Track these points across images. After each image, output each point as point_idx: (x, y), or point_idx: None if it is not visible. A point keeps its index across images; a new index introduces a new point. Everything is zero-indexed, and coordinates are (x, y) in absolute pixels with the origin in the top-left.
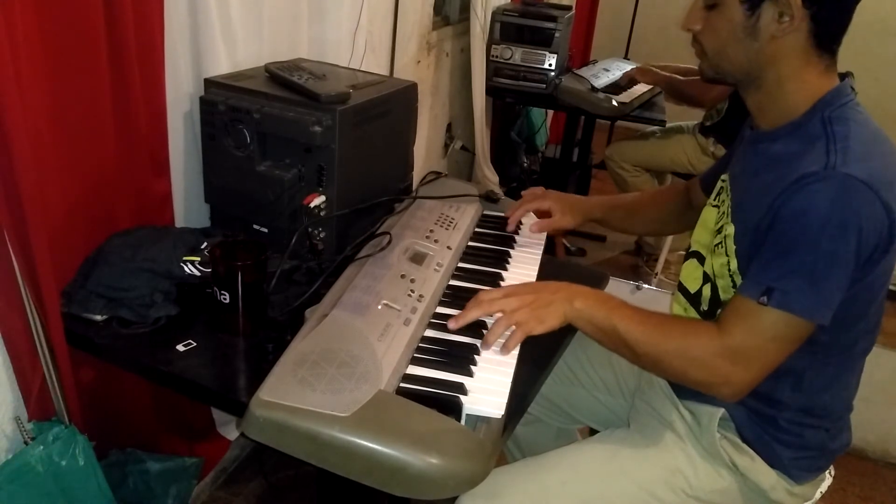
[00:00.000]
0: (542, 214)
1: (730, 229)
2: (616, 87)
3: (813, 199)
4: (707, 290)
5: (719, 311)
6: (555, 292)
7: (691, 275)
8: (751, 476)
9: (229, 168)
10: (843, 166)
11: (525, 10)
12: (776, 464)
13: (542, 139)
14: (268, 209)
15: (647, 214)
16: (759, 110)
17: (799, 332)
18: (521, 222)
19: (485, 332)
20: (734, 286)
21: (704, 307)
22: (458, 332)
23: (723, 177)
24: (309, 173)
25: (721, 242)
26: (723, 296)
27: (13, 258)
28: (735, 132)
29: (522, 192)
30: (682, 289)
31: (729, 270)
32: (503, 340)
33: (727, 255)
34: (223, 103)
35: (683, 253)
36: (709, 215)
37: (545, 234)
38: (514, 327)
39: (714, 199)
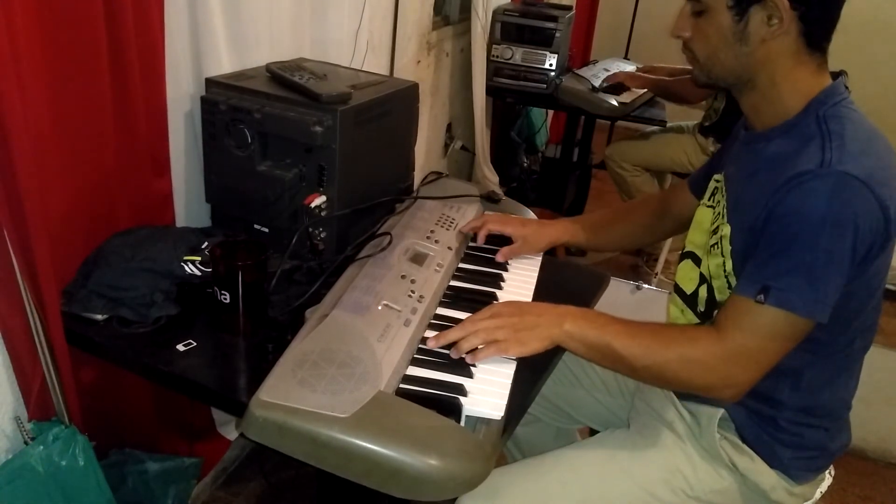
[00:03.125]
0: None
1: (726, 230)
2: (616, 87)
3: (809, 196)
4: (703, 291)
5: (716, 311)
6: (540, 315)
7: (687, 276)
8: (751, 476)
9: (230, 168)
10: (838, 164)
11: (525, 10)
12: (776, 464)
13: (542, 139)
14: (268, 209)
15: (615, 231)
16: (753, 111)
17: (797, 330)
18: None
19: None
20: (730, 287)
21: (701, 308)
22: None
23: (716, 177)
24: (310, 173)
25: (717, 243)
26: (718, 296)
27: (13, 258)
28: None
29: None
30: (678, 290)
31: (724, 271)
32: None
33: (723, 256)
34: (224, 103)
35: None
36: (703, 216)
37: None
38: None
39: (708, 200)
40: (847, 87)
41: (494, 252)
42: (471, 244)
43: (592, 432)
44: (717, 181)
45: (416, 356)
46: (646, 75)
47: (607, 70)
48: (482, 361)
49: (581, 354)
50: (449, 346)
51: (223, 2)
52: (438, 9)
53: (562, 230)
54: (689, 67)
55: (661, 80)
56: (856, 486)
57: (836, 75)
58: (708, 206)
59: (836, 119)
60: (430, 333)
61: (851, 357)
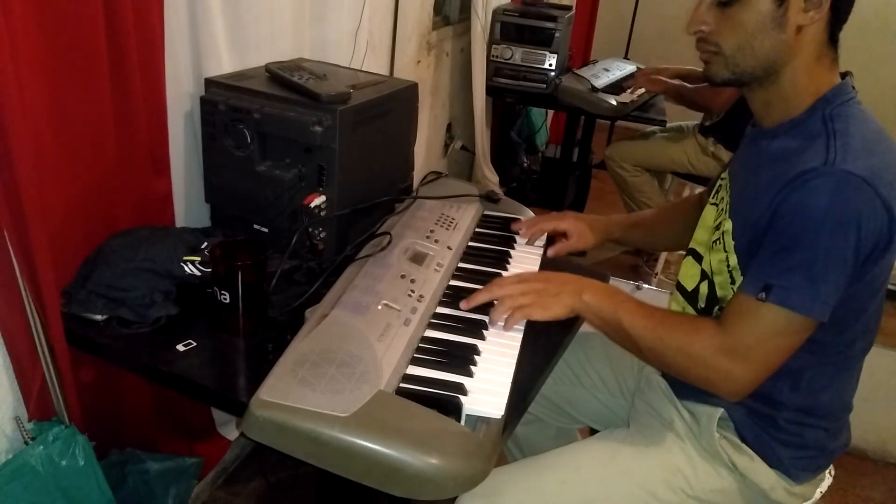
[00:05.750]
0: (559, 234)
1: (728, 225)
2: (616, 87)
3: (812, 195)
4: (704, 288)
5: (716, 308)
6: (564, 284)
7: (689, 272)
8: (750, 476)
9: (229, 168)
10: (842, 163)
11: (525, 10)
12: (776, 463)
13: (542, 139)
14: (268, 209)
15: (666, 230)
16: (764, 107)
17: (798, 329)
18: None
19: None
20: (732, 282)
21: (702, 304)
22: (459, 331)
23: (722, 175)
24: (309, 173)
25: (719, 239)
26: (720, 292)
27: (13, 258)
28: (735, 132)
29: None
30: (679, 287)
31: (728, 266)
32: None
33: (725, 251)
34: (223, 103)
35: (683, 252)
36: (708, 214)
37: (545, 234)
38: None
39: (713, 198)
40: (854, 87)
41: (495, 252)
42: (471, 243)
43: (592, 432)
44: (723, 179)
45: (416, 355)
46: (666, 80)
47: (607, 70)
48: (484, 361)
49: (596, 326)
50: (452, 344)
51: (223, 2)
52: (438, 9)
53: (613, 227)
54: (693, 68)
55: (682, 85)
56: (856, 486)
57: (842, 76)
58: (712, 204)
59: (842, 118)
60: (430, 333)
61: (852, 358)
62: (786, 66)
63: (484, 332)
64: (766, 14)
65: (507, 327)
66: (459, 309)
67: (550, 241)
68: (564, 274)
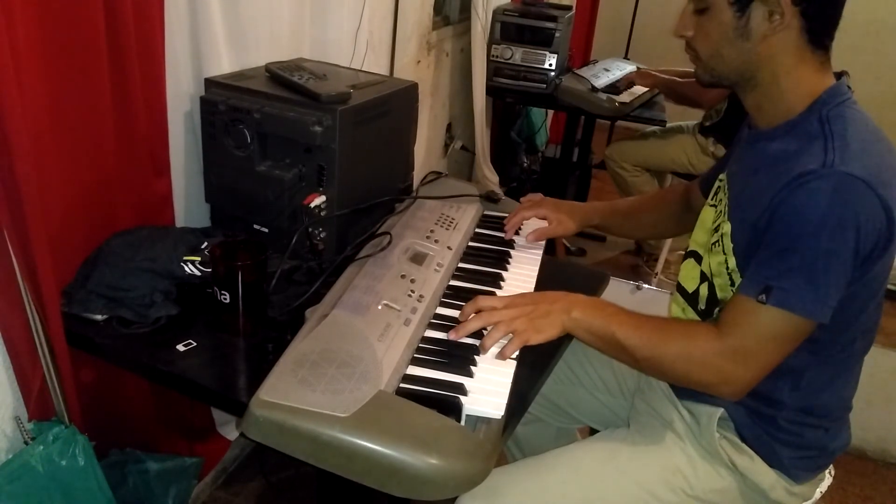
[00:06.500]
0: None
1: (726, 227)
2: (616, 87)
3: (811, 197)
4: (704, 290)
5: (717, 310)
6: (553, 302)
7: (689, 274)
8: (750, 476)
9: (229, 168)
10: (841, 164)
11: (525, 10)
12: (775, 463)
13: (542, 139)
14: (268, 209)
15: (645, 219)
16: (757, 110)
17: (798, 331)
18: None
19: (484, 332)
20: (732, 284)
21: (702, 306)
22: None
23: (720, 176)
24: (309, 173)
25: (718, 241)
26: (720, 294)
27: (13, 258)
28: (735, 132)
29: (521, 199)
30: (679, 289)
31: (727, 268)
32: (498, 347)
33: (724, 254)
34: (223, 103)
35: (683, 253)
36: (707, 215)
37: (531, 220)
38: (511, 335)
39: (712, 199)
40: (850, 88)
41: (495, 252)
42: (471, 243)
43: (593, 432)
44: (721, 180)
45: (416, 355)
46: (657, 74)
47: (607, 70)
48: (484, 361)
49: (588, 342)
50: (452, 344)
51: (223, 2)
52: (438, 9)
53: (593, 213)
54: (688, 69)
55: (672, 79)
56: (856, 486)
57: (838, 76)
58: (711, 206)
59: (839, 119)
60: (430, 333)
61: (852, 357)
62: (761, 72)
63: (484, 332)
64: (728, 24)
65: (502, 357)
66: (460, 311)
67: (551, 242)
68: (551, 293)
